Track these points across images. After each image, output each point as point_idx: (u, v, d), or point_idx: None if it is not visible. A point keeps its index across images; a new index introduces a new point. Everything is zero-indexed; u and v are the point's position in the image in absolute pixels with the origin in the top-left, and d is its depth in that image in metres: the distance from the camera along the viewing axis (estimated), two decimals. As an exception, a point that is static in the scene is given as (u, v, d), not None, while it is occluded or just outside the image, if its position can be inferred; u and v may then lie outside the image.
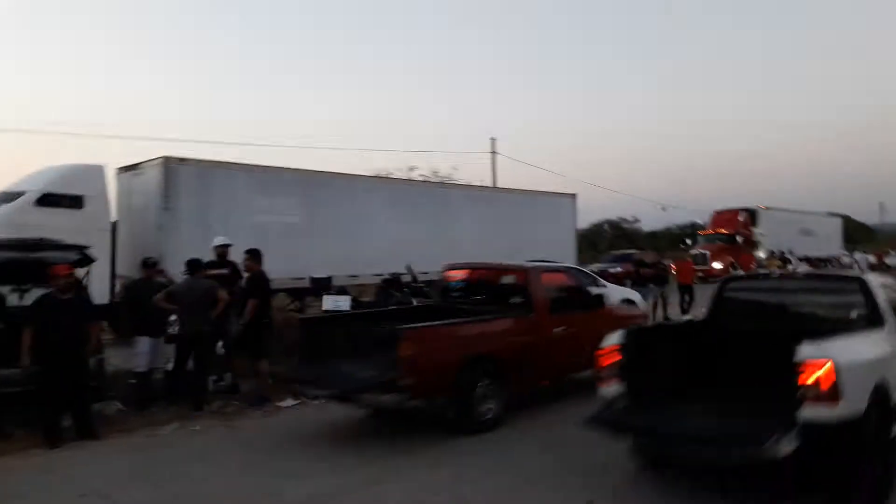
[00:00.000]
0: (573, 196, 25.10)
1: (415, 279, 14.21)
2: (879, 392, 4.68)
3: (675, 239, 59.92)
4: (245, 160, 16.47)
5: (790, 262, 24.54)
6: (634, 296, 15.63)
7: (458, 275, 9.51)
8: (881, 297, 5.69)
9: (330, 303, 12.30)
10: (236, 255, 9.58)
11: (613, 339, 5.46)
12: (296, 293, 16.73)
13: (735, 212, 34.92)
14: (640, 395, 5.36)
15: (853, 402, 4.36)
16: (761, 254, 26.78)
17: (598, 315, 8.66)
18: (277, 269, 14.01)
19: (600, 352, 5.45)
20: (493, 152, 30.49)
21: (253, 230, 15.11)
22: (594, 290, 9.95)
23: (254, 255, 8.65)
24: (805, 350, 4.38)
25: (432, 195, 21.34)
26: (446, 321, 7.36)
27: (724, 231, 34.05)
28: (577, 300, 8.84)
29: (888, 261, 32.10)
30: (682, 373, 5.92)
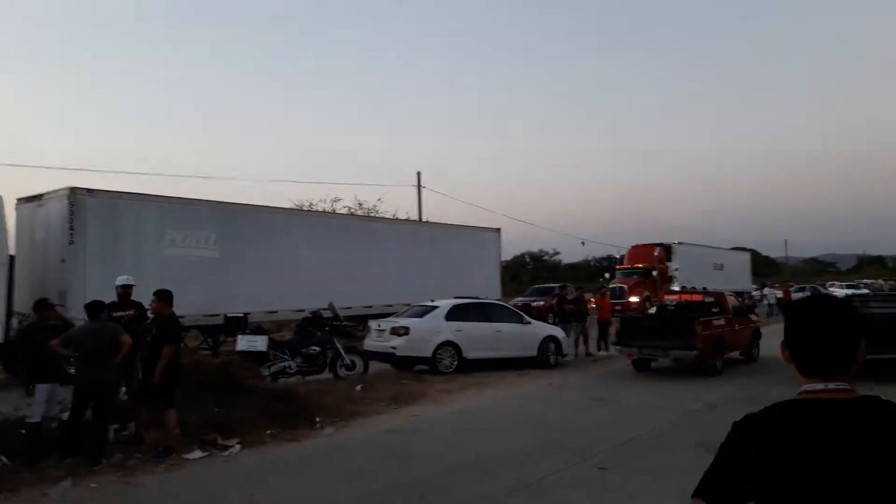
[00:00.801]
0: (498, 230, 25.33)
1: (337, 317, 13.84)
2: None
3: (593, 271, 61.39)
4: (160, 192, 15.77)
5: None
6: (558, 332, 15.73)
7: (672, 298, 18.37)
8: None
9: (244, 343, 11.82)
10: (146, 294, 9.02)
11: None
12: (209, 331, 16.05)
13: (651, 246, 35.98)
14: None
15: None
16: (675, 288, 27.66)
17: (746, 319, 16.47)
18: (191, 304, 13.47)
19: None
20: (419, 186, 30.49)
21: (166, 265, 14.49)
22: (739, 305, 17.43)
23: (163, 296, 8.12)
24: None
25: (357, 229, 21.08)
26: (706, 318, 14.54)
27: (640, 265, 35.03)
28: (739, 311, 16.50)
29: (794, 295, 33.78)
30: None
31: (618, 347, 14.90)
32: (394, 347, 13.72)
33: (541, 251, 71.07)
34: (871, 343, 5.67)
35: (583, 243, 54.29)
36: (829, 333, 1.73)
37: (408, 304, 16.74)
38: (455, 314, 14.42)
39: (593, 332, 17.88)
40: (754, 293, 36.07)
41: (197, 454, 7.87)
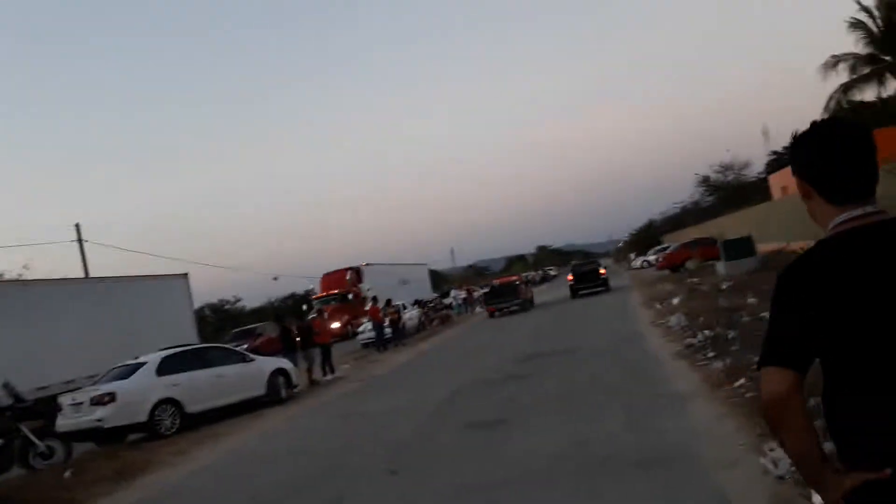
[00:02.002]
0: (185, 276, 23.20)
1: (18, 398, 11.15)
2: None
3: (278, 312, 60.29)
4: None
5: (404, 307, 26.54)
6: (285, 363, 14.80)
7: (496, 281, 35.20)
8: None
9: None
10: None
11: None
12: None
13: (342, 272, 36.59)
14: None
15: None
16: (379, 305, 28.51)
17: (529, 287, 35.44)
18: None
19: None
20: (81, 240, 26.50)
21: None
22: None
23: None
24: None
25: (6, 296, 17.41)
26: (522, 286, 31.94)
27: (335, 291, 35.33)
28: (527, 282, 37.60)
29: (475, 294, 37.73)
30: None
31: (484, 305, 31.54)
32: (100, 420, 11.50)
33: (221, 300, 67.55)
34: (586, 282, 31.39)
35: (275, 279, 52.89)
36: (863, 154, 1.62)
37: (92, 376, 14.28)
38: (168, 366, 12.66)
39: (317, 358, 17.26)
40: (443, 300, 38.75)
41: None
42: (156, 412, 12.07)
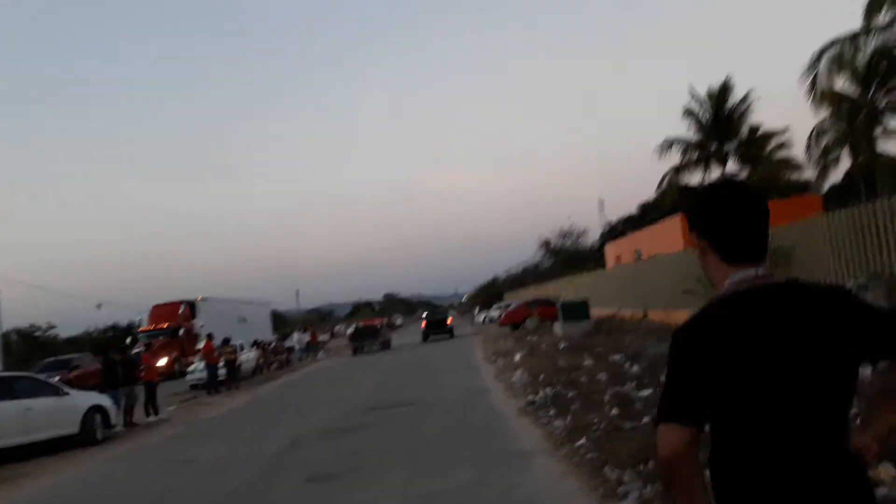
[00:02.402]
0: (-7, 295, 20.71)
1: None
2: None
3: (97, 343, 55.54)
4: None
5: (242, 348, 25.27)
6: (104, 400, 13.47)
7: (361, 323, 38.81)
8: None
9: None
10: None
11: None
12: None
13: (175, 305, 34.35)
14: None
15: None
16: (216, 342, 26.88)
17: (387, 330, 38.18)
18: None
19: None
20: None
21: None
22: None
23: None
24: None
25: None
26: (383, 329, 36.72)
27: (165, 325, 33.04)
28: (388, 326, 45.47)
29: (320, 337, 36.93)
30: None
31: (352, 344, 33.42)
32: None
33: (32, 326, 61.01)
34: (436, 329, 37.01)
35: (99, 307, 48.68)
36: (759, 218, 1.70)
37: None
38: (-38, 396, 11.12)
39: (140, 397, 15.85)
40: (284, 342, 37.26)
41: None
42: (-58, 449, 10.52)
